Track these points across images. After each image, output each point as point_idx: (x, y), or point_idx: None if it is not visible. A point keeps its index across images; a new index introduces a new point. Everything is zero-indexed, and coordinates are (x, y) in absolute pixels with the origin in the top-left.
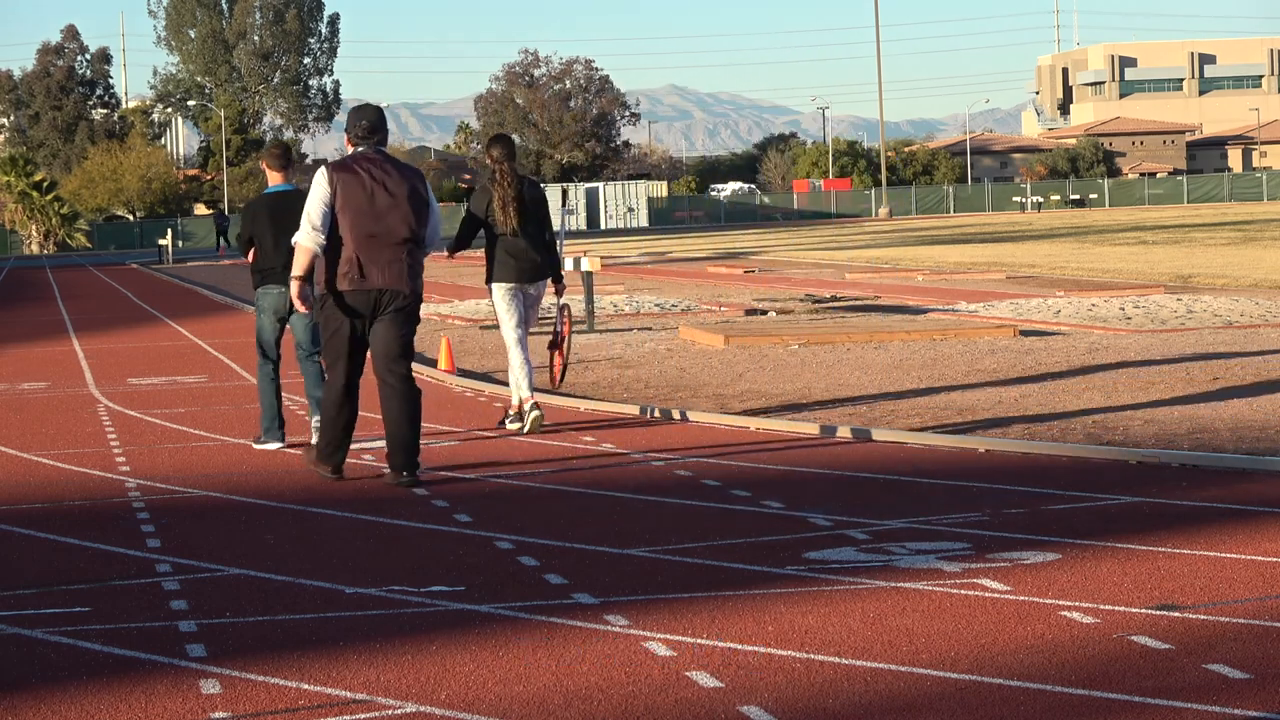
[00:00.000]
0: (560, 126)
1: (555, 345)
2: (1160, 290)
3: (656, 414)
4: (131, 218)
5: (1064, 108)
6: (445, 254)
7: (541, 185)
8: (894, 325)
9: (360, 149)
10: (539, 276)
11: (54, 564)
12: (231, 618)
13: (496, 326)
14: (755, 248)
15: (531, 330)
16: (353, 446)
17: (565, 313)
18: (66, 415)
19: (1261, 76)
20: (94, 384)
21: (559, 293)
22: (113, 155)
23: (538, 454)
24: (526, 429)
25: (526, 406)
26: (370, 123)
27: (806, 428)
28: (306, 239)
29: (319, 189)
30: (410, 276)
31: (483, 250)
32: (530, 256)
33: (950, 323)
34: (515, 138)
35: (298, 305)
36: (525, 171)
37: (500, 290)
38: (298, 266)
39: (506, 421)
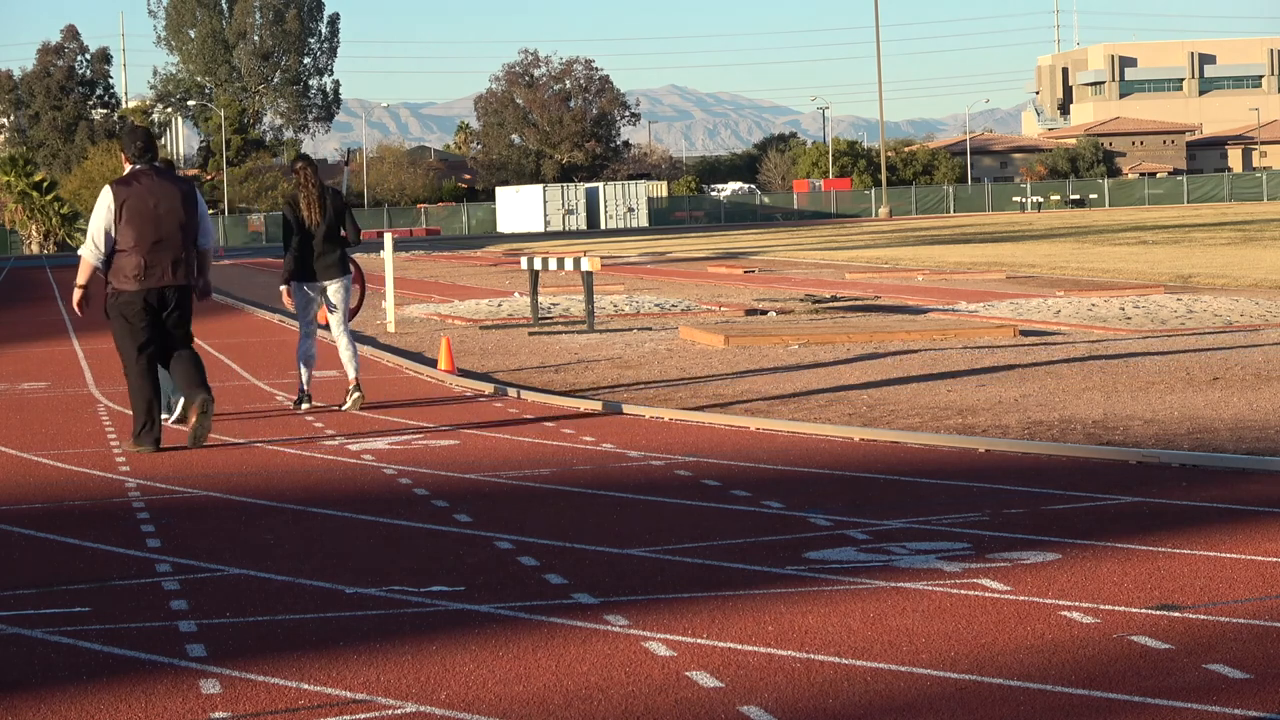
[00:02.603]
0: (560, 126)
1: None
2: (1160, 290)
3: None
4: None
5: (1064, 108)
6: (284, 289)
7: (342, 195)
8: (894, 325)
9: (138, 166)
10: (339, 274)
11: (54, 564)
12: (231, 618)
13: (497, 326)
14: (755, 248)
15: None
16: (351, 447)
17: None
18: (66, 415)
19: (1261, 76)
20: (94, 384)
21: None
22: (113, 155)
23: (538, 454)
24: (345, 406)
25: (310, 390)
26: (143, 143)
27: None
28: (90, 255)
29: (104, 206)
30: (188, 274)
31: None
32: (329, 256)
33: (950, 323)
34: (515, 138)
35: (75, 309)
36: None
37: (301, 289)
38: (81, 276)
39: (300, 404)
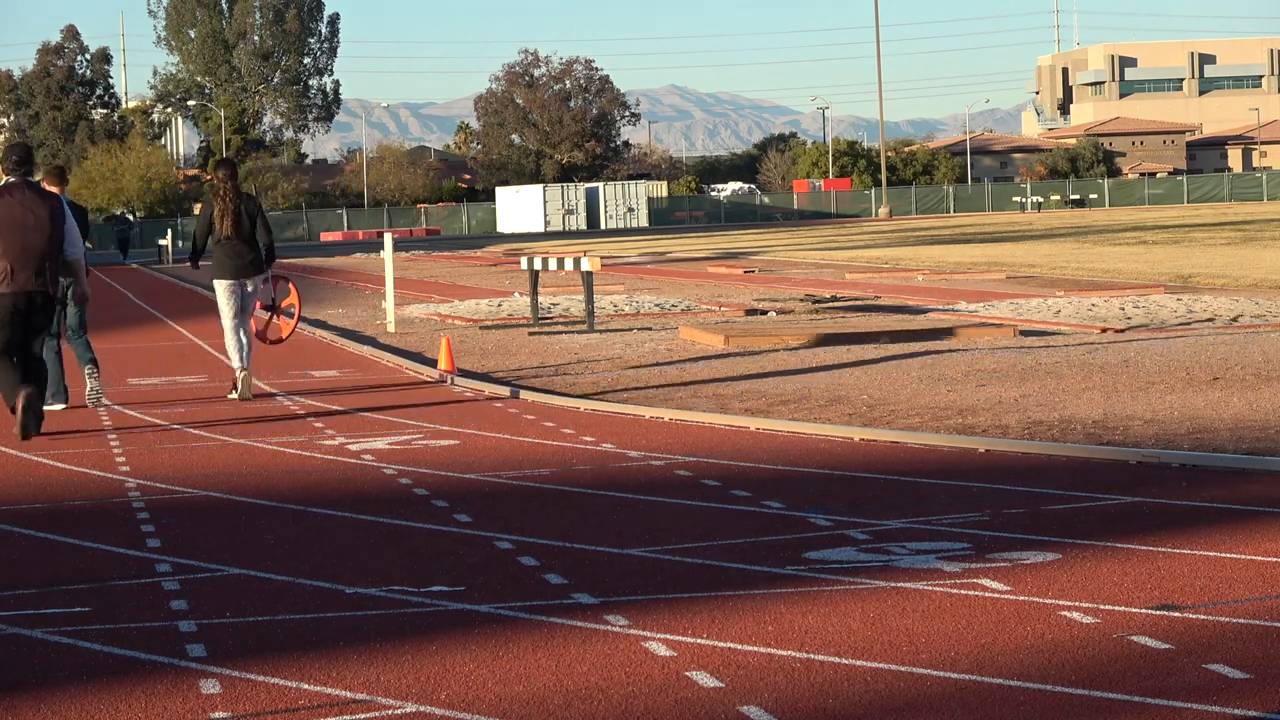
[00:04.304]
0: (560, 126)
1: (269, 308)
2: (1160, 290)
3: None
4: (131, 218)
5: (1064, 108)
6: (188, 264)
7: (256, 200)
8: (894, 325)
9: (12, 179)
10: (255, 272)
11: (54, 564)
12: (231, 618)
13: (497, 326)
14: (755, 248)
15: (264, 307)
16: (351, 447)
17: (274, 283)
18: (67, 415)
19: (1261, 76)
20: None
21: (270, 266)
22: (113, 155)
23: (538, 454)
24: (238, 393)
25: (239, 375)
26: (19, 157)
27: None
28: None
29: None
30: (51, 280)
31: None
32: (245, 257)
33: (950, 323)
34: (515, 138)
35: None
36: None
37: (222, 285)
38: None
39: (230, 395)
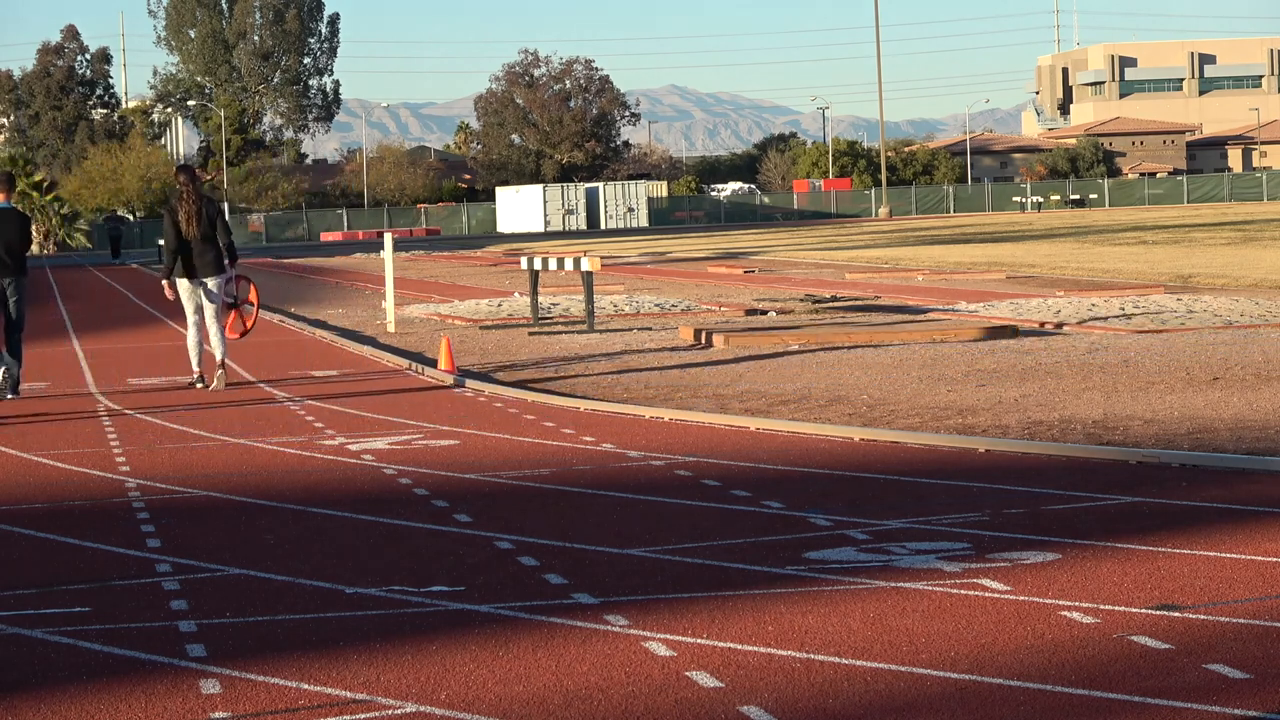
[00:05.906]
0: (560, 126)
1: (232, 307)
2: (1160, 290)
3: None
4: (131, 218)
5: (1064, 108)
6: (165, 283)
7: (216, 202)
8: (894, 325)
9: None
10: (216, 271)
11: (54, 564)
12: (231, 618)
13: (497, 326)
14: (755, 248)
15: (227, 304)
16: (351, 447)
17: (237, 282)
18: (66, 415)
19: (1261, 76)
20: (94, 384)
21: (233, 266)
22: (113, 155)
23: (538, 454)
24: (212, 387)
25: (202, 370)
26: None
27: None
28: None
29: None
30: None
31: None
32: (206, 257)
33: (950, 323)
34: (515, 138)
35: None
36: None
37: (184, 285)
38: None
39: (195, 383)
